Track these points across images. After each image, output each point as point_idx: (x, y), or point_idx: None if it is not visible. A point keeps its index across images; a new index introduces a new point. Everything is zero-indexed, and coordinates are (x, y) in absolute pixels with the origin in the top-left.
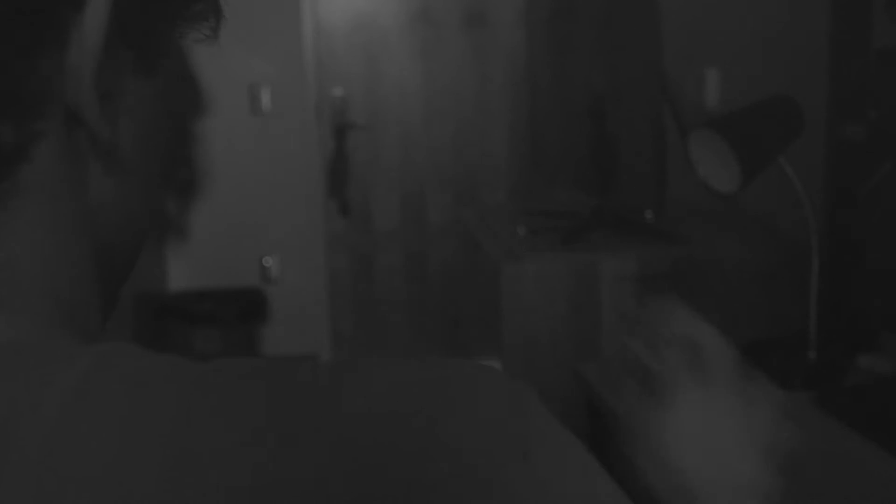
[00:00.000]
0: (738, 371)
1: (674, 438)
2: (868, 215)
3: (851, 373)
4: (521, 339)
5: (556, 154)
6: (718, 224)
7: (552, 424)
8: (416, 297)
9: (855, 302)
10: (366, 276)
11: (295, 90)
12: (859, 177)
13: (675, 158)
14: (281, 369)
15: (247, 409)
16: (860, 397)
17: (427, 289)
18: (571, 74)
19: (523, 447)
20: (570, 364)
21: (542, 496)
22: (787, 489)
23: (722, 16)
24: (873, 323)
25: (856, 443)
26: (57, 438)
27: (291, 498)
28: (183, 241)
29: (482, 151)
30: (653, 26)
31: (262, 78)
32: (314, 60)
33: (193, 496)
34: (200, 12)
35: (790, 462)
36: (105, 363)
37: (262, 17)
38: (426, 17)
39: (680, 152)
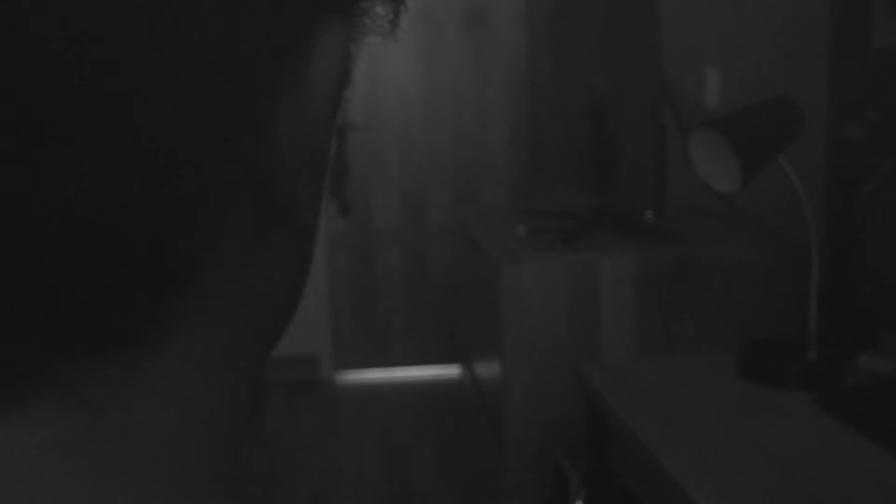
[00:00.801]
0: None
1: None
2: (868, 215)
3: (851, 373)
4: (521, 340)
5: (556, 154)
6: (718, 224)
7: None
8: (416, 297)
9: (855, 302)
10: (366, 276)
11: None
12: (859, 177)
13: (675, 158)
14: None
15: None
16: (860, 397)
17: (427, 289)
18: (571, 74)
19: None
20: (570, 364)
21: None
22: (788, 489)
23: (722, 16)
24: (873, 323)
25: (856, 443)
26: None
27: None
28: None
29: (482, 151)
30: (653, 26)
31: None
32: None
33: None
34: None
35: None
36: None
37: None
38: (426, 17)
39: (680, 152)
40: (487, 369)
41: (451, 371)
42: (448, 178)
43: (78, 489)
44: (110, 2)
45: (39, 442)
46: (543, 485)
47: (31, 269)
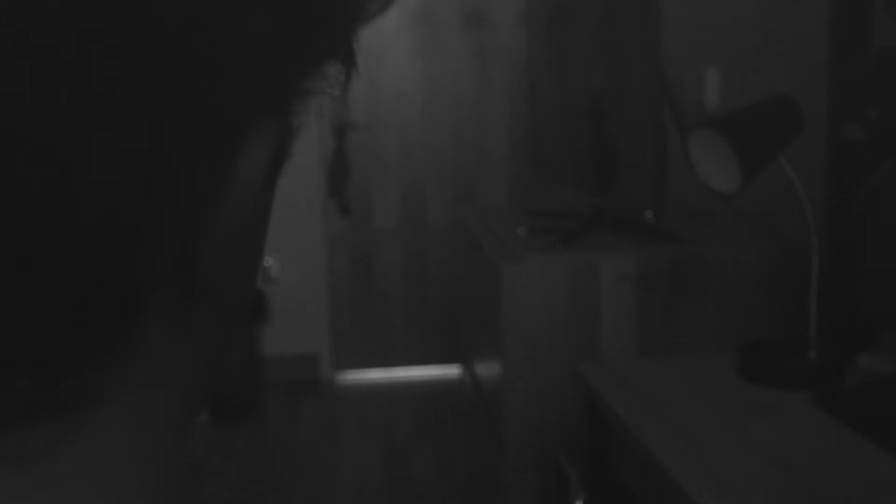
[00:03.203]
0: None
1: None
2: (868, 215)
3: (851, 373)
4: (521, 340)
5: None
6: (718, 224)
7: None
8: (416, 297)
9: (855, 302)
10: (366, 275)
11: None
12: (859, 177)
13: (675, 158)
14: None
15: None
16: (860, 397)
17: (427, 288)
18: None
19: None
20: (570, 364)
21: None
22: (788, 489)
23: (722, 16)
24: (873, 323)
25: (856, 443)
26: None
27: None
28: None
29: (482, 151)
30: (653, 26)
31: None
32: None
33: None
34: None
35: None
36: None
37: None
38: (426, 17)
39: (680, 152)
40: (487, 369)
41: (451, 371)
42: (448, 178)
43: None
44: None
45: None
46: (543, 485)
47: None
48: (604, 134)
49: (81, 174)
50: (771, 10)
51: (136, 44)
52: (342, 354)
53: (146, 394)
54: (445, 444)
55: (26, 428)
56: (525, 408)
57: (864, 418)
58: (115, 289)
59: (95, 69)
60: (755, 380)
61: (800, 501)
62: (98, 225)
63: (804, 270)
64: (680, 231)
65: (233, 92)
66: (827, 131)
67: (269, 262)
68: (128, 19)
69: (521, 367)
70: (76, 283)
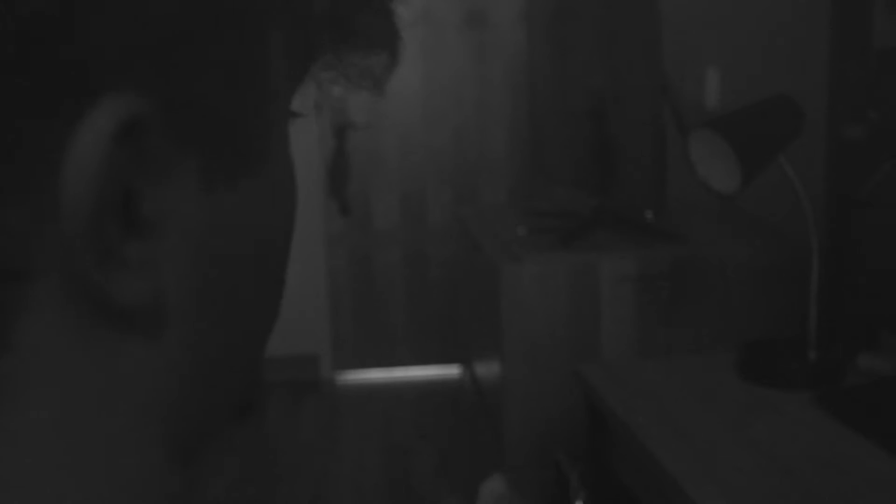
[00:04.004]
0: None
1: None
2: (868, 215)
3: (851, 373)
4: (520, 340)
5: (556, 154)
6: (718, 224)
7: None
8: (416, 297)
9: (855, 302)
10: (366, 275)
11: None
12: (859, 177)
13: (675, 158)
14: None
15: None
16: (860, 397)
17: (427, 289)
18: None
19: None
20: (570, 364)
21: None
22: (788, 489)
23: (722, 16)
24: (873, 323)
25: (856, 443)
26: None
27: None
28: None
29: (482, 151)
30: (653, 26)
31: None
32: None
33: None
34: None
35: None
36: None
37: None
38: (426, 17)
39: (680, 152)
40: (487, 369)
41: (451, 371)
42: (448, 178)
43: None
44: None
45: None
46: (543, 485)
47: None
48: (604, 134)
49: None
50: (771, 10)
51: None
52: (342, 354)
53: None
54: (445, 444)
55: None
56: (525, 408)
57: (864, 418)
58: None
59: None
60: (755, 380)
61: (800, 501)
62: None
63: (804, 270)
64: (680, 231)
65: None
66: (827, 131)
67: None
68: None
69: (520, 367)
70: None
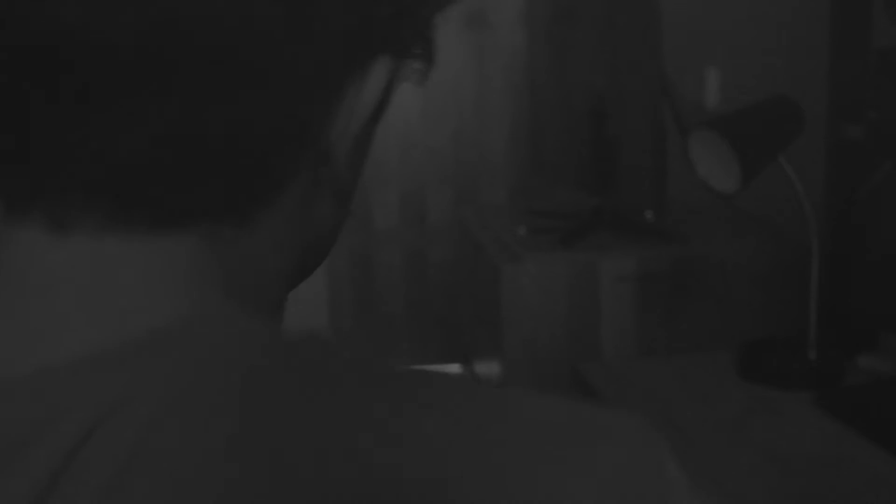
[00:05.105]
0: None
1: None
2: (868, 215)
3: (851, 373)
4: (520, 339)
5: (556, 154)
6: (718, 224)
7: (684, 489)
8: (416, 297)
9: (855, 302)
10: (365, 275)
11: None
12: (859, 177)
13: (675, 158)
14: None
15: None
16: (860, 397)
17: (426, 288)
18: (572, 75)
19: None
20: (570, 364)
21: None
22: (788, 489)
23: (722, 16)
24: (873, 323)
25: (856, 443)
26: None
27: None
28: None
29: (482, 151)
30: (653, 26)
31: None
32: None
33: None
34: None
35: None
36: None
37: None
38: None
39: (680, 152)
40: (487, 369)
41: (451, 370)
42: (448, 178)
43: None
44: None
45: (175, 259)
46: None
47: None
48: (604, 134)
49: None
50: (771, 11)
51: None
52: None
53: (267, 246)
54: None
55: (218, 226)
56: None
57: (864, 418)
58: (269, 170)
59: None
60: (755, 380)
61: (800, 501)
62: (272, 132)
63: (804, 270)
64: (680, 231)
65: (348, 34)
66: (827, 131)
67: None
68: None
69: (521, 367)
70: (249, 167)
